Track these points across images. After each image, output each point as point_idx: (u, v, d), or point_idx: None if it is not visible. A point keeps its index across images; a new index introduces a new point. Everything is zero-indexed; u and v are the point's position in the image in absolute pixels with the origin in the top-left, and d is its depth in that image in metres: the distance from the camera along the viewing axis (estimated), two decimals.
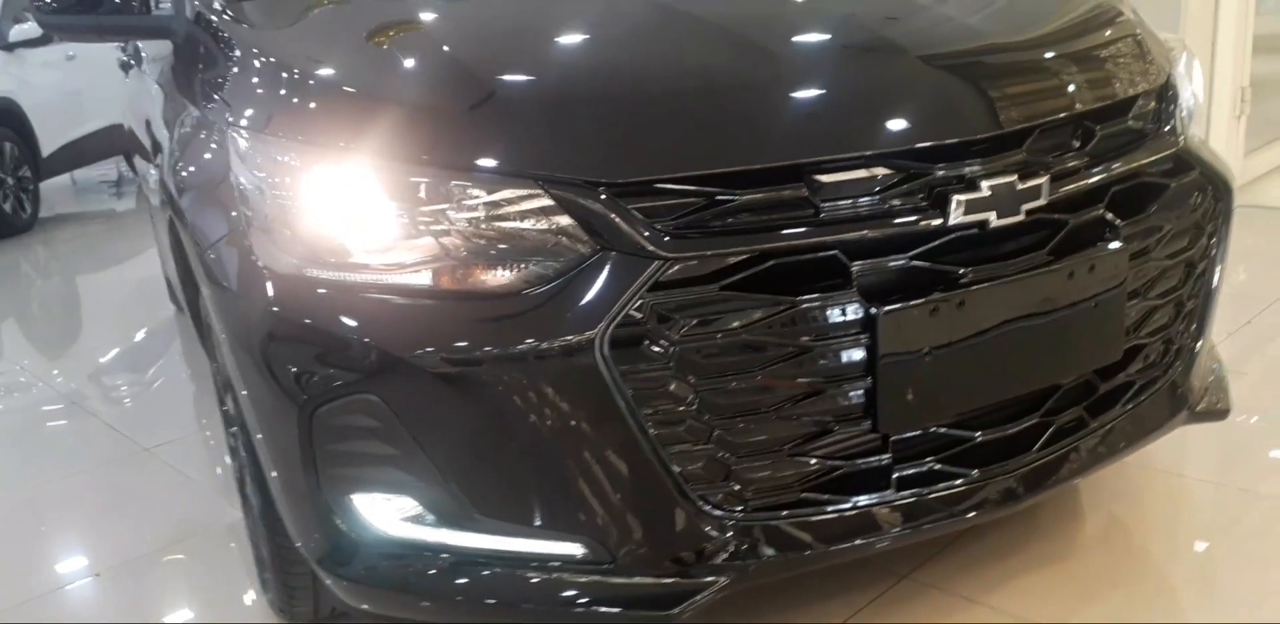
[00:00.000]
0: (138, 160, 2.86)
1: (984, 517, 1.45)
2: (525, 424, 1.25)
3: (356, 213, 1.28)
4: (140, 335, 3.61)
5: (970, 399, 1.41)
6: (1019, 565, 1.73)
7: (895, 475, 1.39)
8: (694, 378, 1.25)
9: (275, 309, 1.32)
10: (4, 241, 5.29)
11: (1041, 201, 1.37)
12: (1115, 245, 1.45)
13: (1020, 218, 1.35)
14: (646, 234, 1.23)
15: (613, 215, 1.23)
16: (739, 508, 1.33)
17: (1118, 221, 1.48)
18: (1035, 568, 1.72)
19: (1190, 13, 3.58)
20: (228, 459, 2.02)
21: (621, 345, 1.22)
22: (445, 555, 1.35)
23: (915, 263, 1.32)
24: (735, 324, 1.25)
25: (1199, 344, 1.69)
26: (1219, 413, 1.75)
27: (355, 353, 1.27)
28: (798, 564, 1.38)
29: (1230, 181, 1.67)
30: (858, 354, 1.30)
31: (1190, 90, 1.72)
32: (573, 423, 1.25)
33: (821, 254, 1.28)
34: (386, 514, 1.35)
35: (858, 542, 1.38)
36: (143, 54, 2.56)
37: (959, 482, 1.41)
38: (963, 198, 1.30)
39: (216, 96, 1.56)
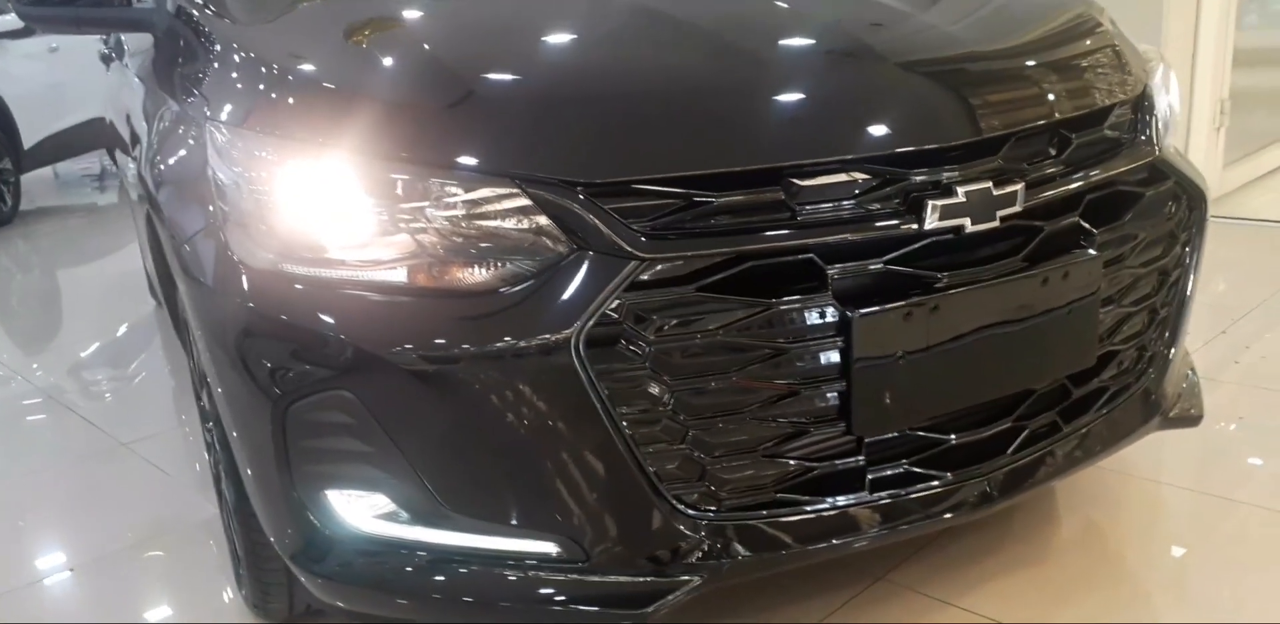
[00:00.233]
0: (119, 154, 2.85)
1: (958, 519, 1.46)
2: (500, 422, 1.25)
3: (333, 209, 1.28)
4: (121, 330, 3.59)
5: (944, 403, 1.42)
6: (994, 568, 1.74)
7: (869, 477, 1.40)
8: (669, 378, 1.26)
9: (250, 305, 1.31)
10: None
11: (1016, 208, 1.38)
12: (1090, 253, 1.47)
13: (995, 224, 1.36)
14: (623, 234, 1.23)
15: (590, 215, 1.23)
16: (713, 508, 1.34)
17: (1093, 229, 1.49)
18: (1010, 571, 1.74)
19: (1171, 25, 3.62)
20: (206, 455, 2.01)
21: (597, 345, 1.22)
22: (422, 553, 1.34)
23: (891, 267, 1.33)
24: (711, 325, 1.26)
25: (1172, 351, 1.71)
26: (1192, 419, 1.78)
27: (329, 349, 1.27)
28: (771, 564, 1.39)
29: (1204, 191, 1.69)
30: (832, 357, 1.31)
31: (1167, 101, 1.74)
32: (548, 422, 1.25)
33: (798, 257, 1.29)
34: (360, 511, 1.35)
35: (831, 542, 1.39)
36: (124, 47, 2.55)
37: (933, 484, 1.43)
38: (938, 203, 1.32)
39: (196, 91, 1.56)
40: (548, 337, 1.21)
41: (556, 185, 1.24)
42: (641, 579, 1.34)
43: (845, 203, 1.32)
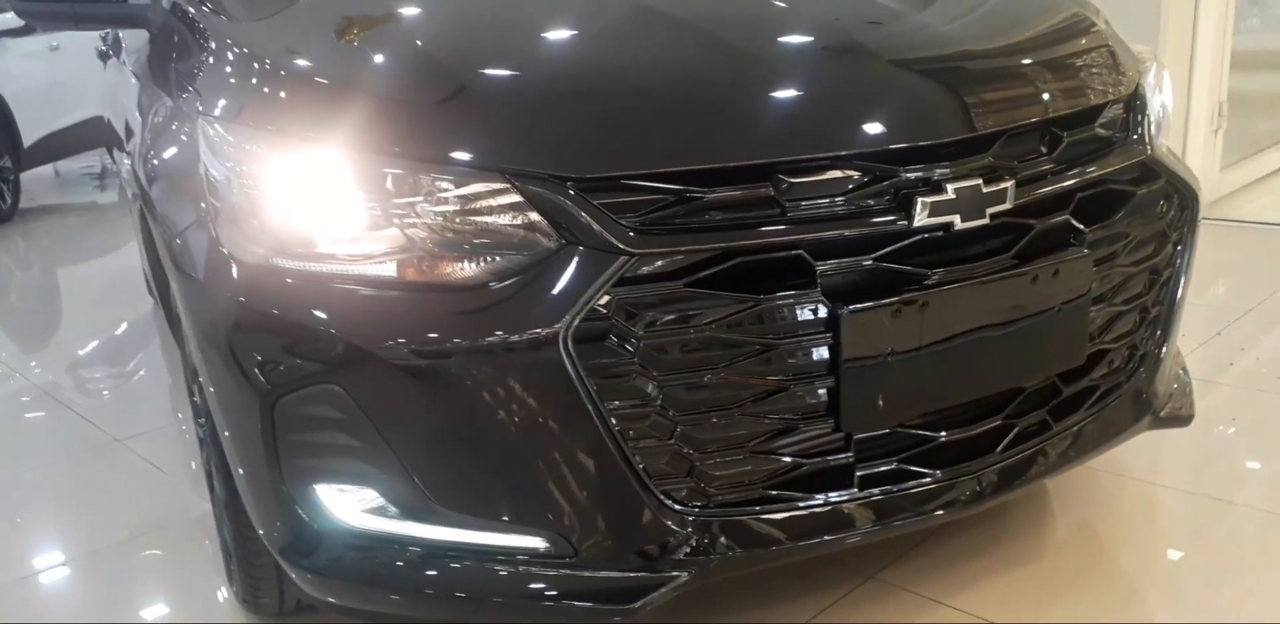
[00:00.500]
0: (117, 152, 2.85)
1: (948, 516, 1.46)
2: (488, 417, 1.25)
3: (324, 203, 1.28)
4: (119, 328, 3.59)
5: (932, 400, 1.43)
6: (987, 568, 1.74)
7: (859, 474, 1.40)
8: (658, 373, 1.26)
9: (241, 299, 1.32)
10: None
11: (1006, 206, 1.38)
12: (1080, 251, 1.47)
13: (984, 221, 1.36)
14: (613, 230, 1.24)
15: (580, 210, 1.24)
16: (702, 504, 1.34)
17: (1083, 227, 1.50)
18: (1003, 571, 1.73)
19: (1169, 28, 3.62)
20: (200, 451, 2.01)
21: (586, 340, 1.22)
22: (415, 548, 1.34)
23: (880, 264, 1.34)
24: (700, 321, 1.26)
25: (1164, 350, 1.71)
26: (1183, 419, 1.78)
27: (318, 343, 1.27)
28: (760, 560, 1.39)
29: (1196, 191, 1.69)
30: (821, 353, 1.32)
31: (1160, 100, 1.74)
32: (536, 417, 1.25)
33: (787, 253, 1.29)
34: (349, 505, 1.35)
35: (820, 539, 1.39)
36: (122, 44, 2.56)
37: (921, 481, 1.43)
38: (928, 200, 1.32)
39: (189, 87, 1.56)
40: (535, 331, 1.21)
41: (547, 180, 1.24)
42: (629, 575, 1.34)
43: (835, 199, 1.32)
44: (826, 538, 1.39)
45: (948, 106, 1.38)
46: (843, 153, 1.31)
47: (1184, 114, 3.83)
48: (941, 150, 1.36)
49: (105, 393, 3.00)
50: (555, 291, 1.23)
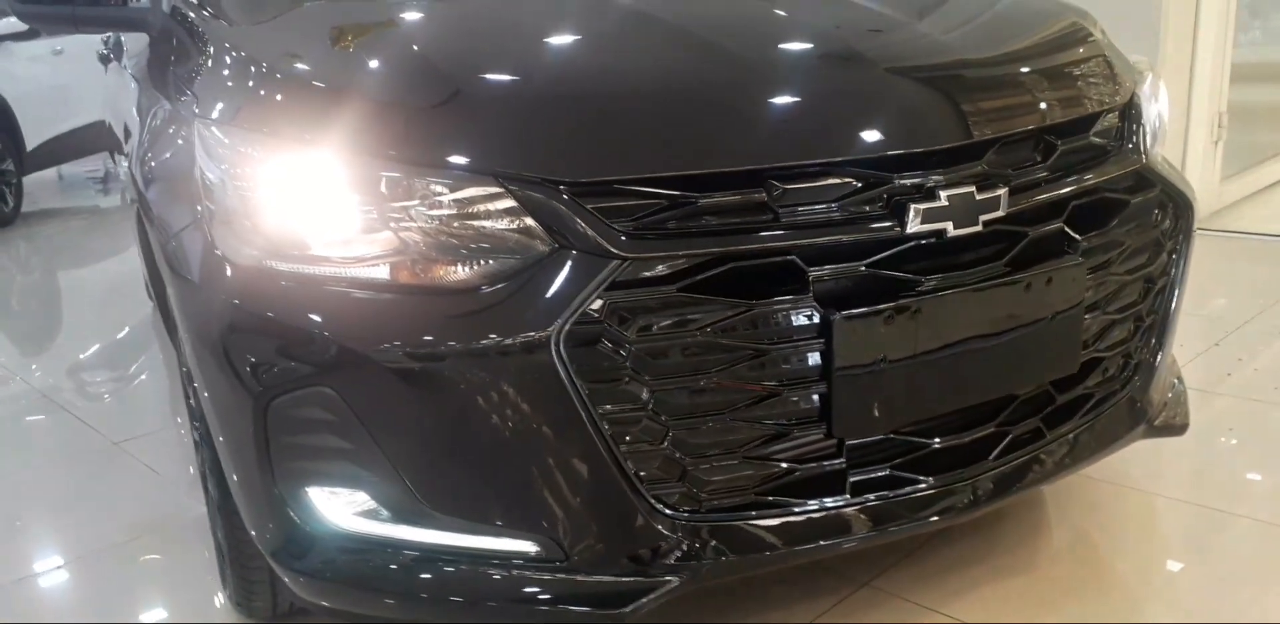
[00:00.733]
0: (119, 155, 2.86)
1: (940, 524, 1.46)
2: (479, 420, 1.25)
3: (319, 206, 1.29)
4: (120, 332, 3.60)
5: (925, 407, 1.42)
6: (981, 576, 1.74)
7: (850, 480, 1.40)
8: (650, 378, 1.26)
9: (236, 301, 1.32)
10: None
11: (999, 213, 1.39)
12: (1074, 259, 1.47)
13: (977, 229, 1.37)
14: (606, 234, 1.24)
15: (573, 214, 1.24)
16: (693, 508, 1.34)
17: (1077, 236, 1.50)
18: (997, 579, 1.73)
19: (1169, 39, 3.63)
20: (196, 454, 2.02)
21: (578, 344, 1.23)
22: (410, 551, 1.34)
23: (873, 271, 1.34)
24: (692, 326, 1.26)
25: (1158, 359, 1.71)
26: (1177, 428, 1.77)
27: (310, 345, 1.27)
28: (751, 566, 1.39)
29: (1191, 200, 1.70)
30: (813, 359, 1.32)
31: (1156, 110, 1.75)
32: (527, 420, 1.25)
33: (779, 259, 1.29)
34: (341, 508, 1.35)
35: (812, 545, 1.39)
36: (123, 48, 2.57)
37: (914, 488, 1.42)
38: (920, 207, 1.32)
39: (187, 90, 1.57)
40: (527, 335, 1.22)
41: (540, 184, 1.25)
42: (620, 579, 1.33)
43: (828, 205, 1.32)
44: (818, 544, 1.39)
45: (941, 114, 1.38)
46: (836, 159, 1.32)
47: (1184, 125, 3.83)
48: (935, 157, 1.36)
49: (105, 396, 3.00)
50: (548, 295, 1.23)
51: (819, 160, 1.31)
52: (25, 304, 4.32)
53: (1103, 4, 2.32)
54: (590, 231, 1.24)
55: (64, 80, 5.72)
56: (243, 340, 1.32)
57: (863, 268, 1.33)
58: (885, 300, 1.32)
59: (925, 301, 1.34)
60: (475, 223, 1.26)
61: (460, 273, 1.26)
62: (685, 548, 1.33)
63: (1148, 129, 1.68)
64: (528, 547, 1.33)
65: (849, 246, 1.33)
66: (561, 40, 1.53)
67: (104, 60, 3.04)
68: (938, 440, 1.45)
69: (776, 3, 1.66)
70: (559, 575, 1.33)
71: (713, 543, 1.34)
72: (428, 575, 1.35)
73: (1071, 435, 1.57)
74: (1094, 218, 1.54)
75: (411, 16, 1.63)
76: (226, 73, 1.54)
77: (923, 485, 1.43)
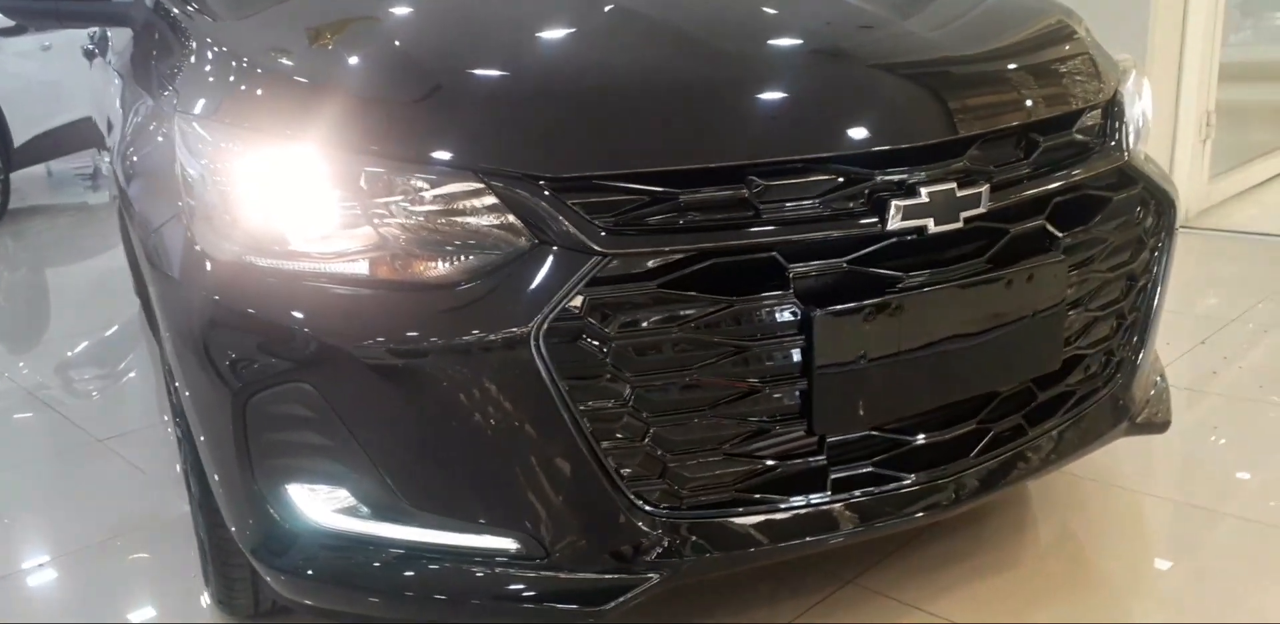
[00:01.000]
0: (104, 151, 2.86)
1: (922, 521, 1.46)
2: (458, 417, 1.25)
3: (298, 201, 1.28)
4: (108, 329, 3.58)
5: (906, 403, 1.43)
6: (965, 574, 1.74)
7: (832, 477, 1.40)
8: (630, 374, 1.26)
9: (215, 297, 1.32)
10: None
11: (980, 210, 1.39)
12: (1055, 256, 1.47)
13: (958, 225, 1.37)
14: (586, 230, 1.24)
15: (553, 210, 1.24)
16: (674, 505, 1.33)
17: (1058, 233, 1.50)
18: (982, 577, 1.73)
19: (1157, 38, 3.64)
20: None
21: (558, 340, 1.22)
22: (396, 550, 1.34)
23: (854, 267, 1.34)
24: (672, 322, 1.26)
25: (1140, 357, 1.71)
26: (1159, 425, 1.78)
27: (290, 341, 1.27)
28: (733, 563, 1.39)
29: (1174, 197, 1.70)
30: (793, 356, 1.32)
31: (1139, 108, 1.75)
32: (506, 417, 1.25)
33: (760, 255, 1.29)
34: (320, 505, 1.35)
35: (792, 542, 1.39)
36: (109, 43, 2.56)
37: (896, 485, 1.42)
38: (901, 204, 1.32)
39: (169, 85, 1.56)
40: (507, 331, 1.21)
41: (521, 180, 1.24)
42: (601, 576, 1.33)
43: (809, 202, 1.32)
44: (799, 540, 1.39)
45: (922, 110, 1.38)
46: (817, 155, 1.31)
47: (1172, 124, 3.84)
48: (916, 154, 1.36)
49: (92, 394, 2.99)
50: (528, 291, 1.23)
51: (800, 156, 1.31)
52: (12, 301, 4.29)
53: (1092, 3, 2.33)
54: (571, 227, 1.23)
55: (53, 76, 5.68)
56: (222, 336, 1.32)
57: (844, 264, 1.33)
58: (866, 297, 1.32)
59: (906, 298, 1.34)
60: (456, 218, 1.26)
61: (440, 269, 1.26)
62: (666, 545, 1.33)
63: (1130, 126, 1.68)
64: (508, 544, 1.33)
65: (830, 243, 1.33)
66: (544, 36, 1.53)
67: (89, 55, 3.03)
68: (919, 437, 1.45)
69: (762, 0, 1.65)
70: (541, 573, 1.33)
71: (693, 540, 1.34)
72: (411, 573, 1.35)
73: (1054, 432, 1.58)
74: (1076, 215, 1.54)
75: (394, 12, 1.63)
76: (208, 68, 1.53)
77: (905, 482, 1.43)
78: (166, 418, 2.62)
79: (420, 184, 1.25)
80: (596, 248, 1.23)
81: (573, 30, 1.53)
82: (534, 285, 1.23)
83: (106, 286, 3.97)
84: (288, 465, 1.34)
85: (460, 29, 1.54)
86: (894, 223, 1.32)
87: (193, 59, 1.58)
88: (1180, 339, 2.73)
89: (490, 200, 1.25)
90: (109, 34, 2.59)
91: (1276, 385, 2.46)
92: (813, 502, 1.39)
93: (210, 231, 1.33)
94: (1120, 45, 1.83)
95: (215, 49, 1.55)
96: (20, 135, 5.66)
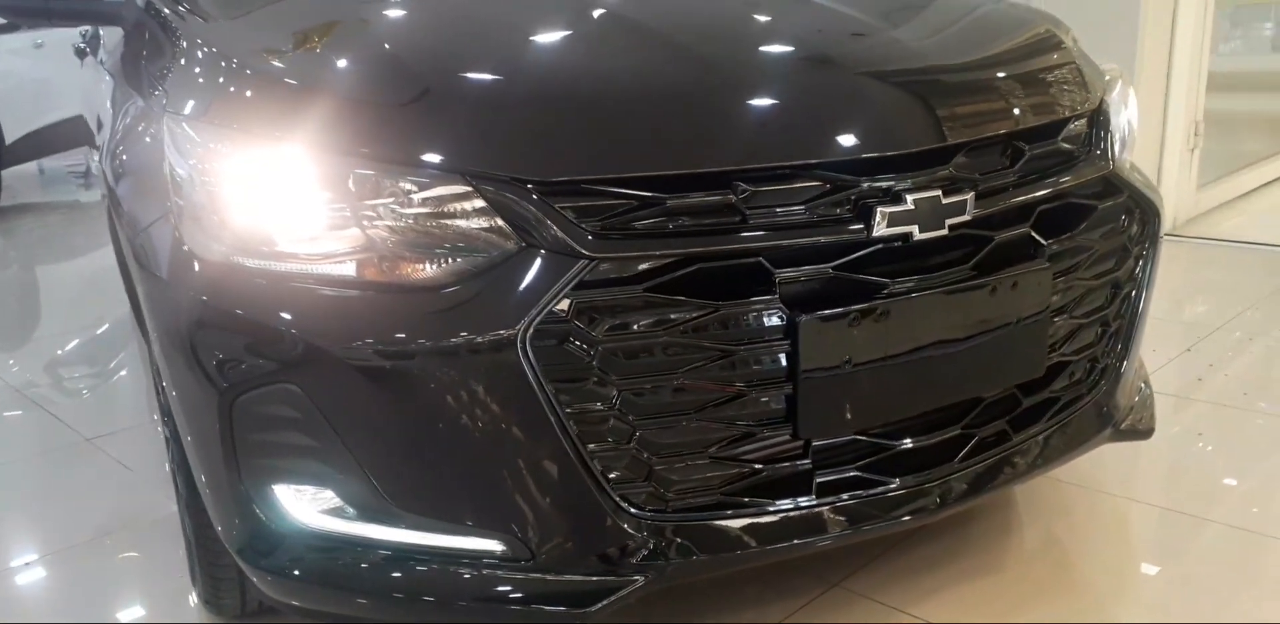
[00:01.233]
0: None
1: (906, 525, 1.47)
2: (443, 418, 1.26)
3: (286, 202, 1.29)
4: (98, 327, 3.58)
5: (890, 409, 1.43)
6: (950, 578, 1.75)
7: (816, 481, 1.41)
8: (616, 378, 1.27)
9: (203, 297, 1.32)
10: None
11: (965, 217, 1.40)
12: (1040, 263, 1.48)
13: (943, 232, 1.38)
14: (573, 233, 1.24)
15: (541, 214, 1.24)
16: (660, 508, 1.34)
17: (1043, 241, 1.51)
18: (967, 581, 1.74)
19: (1146, 48, 3.66)
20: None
21: (544, 343, 1.23)
22: (381, 550, 1.34)
23: (840, 273, 1.35)
24: (658, 326, 1.27)
25: (1125, 364, 1.73)
26: (1143, 432, 1.79)
27: (277, 342, 1.27)
28: (718, 565, 1.39)
29: (1158, 206, 1.71)
30: (779, 360, 1.32)
31: (1125, 117, 1.76)
32: (492, 419, 1.26)
33: (746, 260, 1.30)
34: (306, 505, 1.35)
35: (776, 545, 1.39)
36: (101, 42, 2.56)
37: (880, 489, 1.43)
38: (886, 210, 1.33)
39: (159, 85, 1.57)
40: (493, 334, 1.22)
41: (509, 183, 1.25)
42: (587, 578, 1.34)
43: (795, 208, 1.33)
44: (784, 544, 1.40)
45: (909, 118, 1.39)
46: (803, 162, 1.32)
47: (1160, 133, 3.87)
48: (902, 161, 1.37)
49: (81, 392, 2.98)
50: (515, 294, 1.23)
51: (787, 163, 1.32)
52: (2, 299, 4.28)
53: (1081, 13, 2.35)
54: (559, 231, 1.24)
55: (45, 74, 5.67)
56: (210, 337, 1.32)
57: (830, 270, 1.34)
58: (852, 303, 1.33)
59: (891, 304, 1.35)
60: (444, 221, 1.26)
61: (428, 271, 1.26)
62: (652, 547, 1.34)
63: (1116, 135, 1.69)
64: (495, 546, 1.33)
65: (816, 249, 1.33)
66: (534, 40, 1.53)
67: (80, 54, 3.02)
68: (904, 442, 1.46)
69: (752, 7, 1.67)
70: (528, 574, 1.33)
71: (679, 542, 1.35)
72: (398, 574, 1.35)
73: (1038, 438, 1.59)
74: (1061, 223, 1.55)
75: (384, 15, 1.63)
76: (198, 68, 1.54)
77: (890, 486, 1.44)
78: (155, 417, 2.62)
79: (409, 186, 1.26)
80: (584, 251, 1.24)
81: (562, 35, 1.54)
82: (521, 288, 1.23)
83: (97, 285, 3.96)
84: (274, 466, 1.35)
85: (450, 33, 1.54)
86: (879, 229, 1.33)
87: (183, 59, 1.58)
88: (1167, 346, 2.75)
89: (478, 203, 1.25)
90: (100, 32, 2.59)
91: (1261, 392, 2.48)
92: (798, 505, 1.39)
93: (198, 232, 1.34)
94: (1109, 55, 1.84)
95: (205, 50, 1.56)
96: (12, 133, 5.65)
